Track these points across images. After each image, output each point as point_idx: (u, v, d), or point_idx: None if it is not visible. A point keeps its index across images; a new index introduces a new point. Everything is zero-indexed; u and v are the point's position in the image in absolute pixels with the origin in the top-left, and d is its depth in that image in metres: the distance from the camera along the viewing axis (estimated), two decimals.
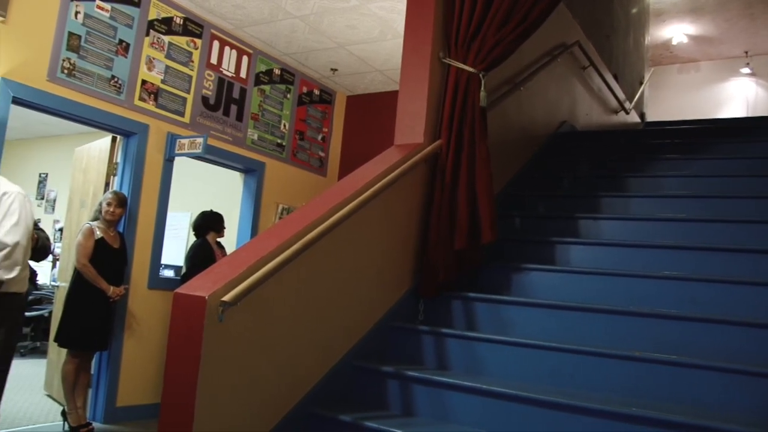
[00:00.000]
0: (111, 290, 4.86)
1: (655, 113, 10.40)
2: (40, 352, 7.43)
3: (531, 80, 5.40)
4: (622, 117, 8.39)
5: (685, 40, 10.87)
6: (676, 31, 10.70)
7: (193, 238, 6.00)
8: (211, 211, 5.97)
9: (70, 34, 4.86)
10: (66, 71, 4.84)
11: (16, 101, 4.58)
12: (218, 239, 5.92)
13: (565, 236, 4.38)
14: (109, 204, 4.95)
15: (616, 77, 7.98)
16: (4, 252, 2.94)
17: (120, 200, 5.01)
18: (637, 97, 9.04)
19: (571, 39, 6.38)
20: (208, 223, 5.83)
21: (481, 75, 4.12)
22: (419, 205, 4.11)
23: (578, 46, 6.47)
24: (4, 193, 3.05)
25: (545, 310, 3.66)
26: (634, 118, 8.93)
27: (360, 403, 3.50)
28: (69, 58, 4.85)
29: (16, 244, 2.97)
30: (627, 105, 8.43)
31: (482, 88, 4.10)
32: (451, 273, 3.97)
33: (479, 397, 3.20)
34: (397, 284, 3.97)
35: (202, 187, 7.64)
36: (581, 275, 3.90)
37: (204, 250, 5.68)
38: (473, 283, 4.11)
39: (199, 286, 2.77)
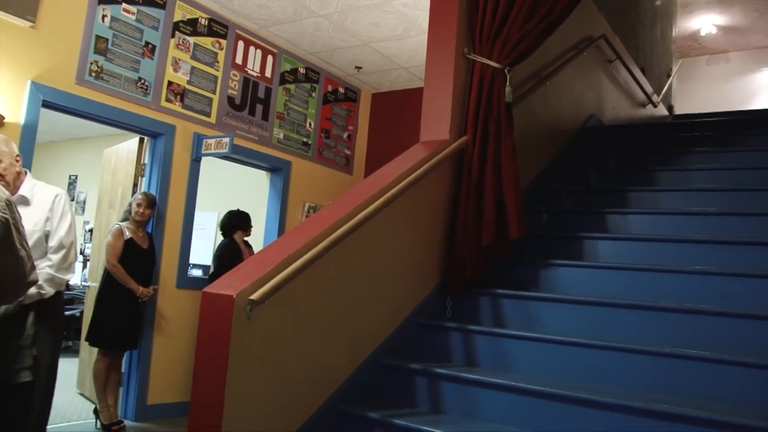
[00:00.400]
0: (140, 290, 4.92)
1: (684, 106, 10.24)
2: (72, 351, 7.53)
3: (557, 75, 5.36)
4: (649, 110, 8.29)
5: (714, 30, 10.69)
6: (704, 22, 10.53)
7: (220, 238, 6.04)
8: (238, 210, 6.01)
9: (98, 37, 4.92)
10: (94, 74, 4.90)
11: (46, 105, 4.66)
12: (245, 238, 5.95)
13: (593, 231, 4.34)
14: (138, 205, 5.00)
15: (643, 70, 7.88)
16: (62, 253, 3.00)
17: (149, 201, 5.06)
18: (665, 89, 8.92)
19: (596, 32, 6.32)
20: (236, 223, 5.87)
21: (506, 70, 4.10)
22: (446, 202, 4.10)
23: (604, 39, 6.39)
24: (56, 195, 3.12)
25: (574, 306, 3.63)
26: (662, 111, 8.81)
27: (388, 400, 3.50)
28: (97, 61, 4.91)
29: (71, 245, 3.06)
30: (654, 98, 8.33)
31: (507, 84, 4.07)
32: (478, 269, 3.95)
33: (508, 394, 3.18)
34: (424, 281, 3.96)
35: (228, 186, 7.69)
36: (610, 270, 3.86)
37: (231, 250, 5.71)
38: (500, 280, 4.08)
39: (226, 285, 2.79)
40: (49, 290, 2.95)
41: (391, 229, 3.66)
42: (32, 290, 2.84)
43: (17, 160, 3.07)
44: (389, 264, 3.68)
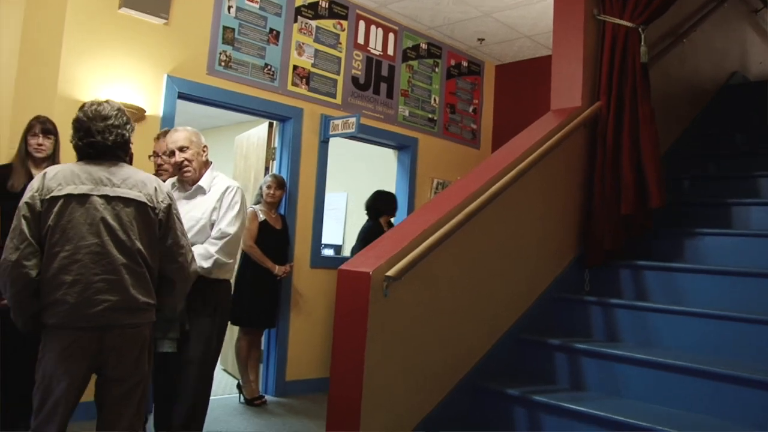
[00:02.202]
0: (277, 269, 5.06)
1: None
2: None
3: (695, 30, 5.01)
4: None
5: None
6: None
7: (350, 218, 6.07)
8: (385, 192, 5.97)
9: (225, 28, 5.07)
10: (223, 64, 5.06)
11: (182, 96, 4.88)
12: (391, 219, 5.95)
13: (742, 197, 4.05)
14: (269, 187, 5.14)
15: None
16: (223, 241, 3.14)
17: (278, 182, 5.19)
18: None
19: None
20: (379, 205, 5.76)
21: (640, 29, 3.89)
22: (580, 171, 3.95)
23: None
24: (227, 188, 3.27)
25: (724, 277, 3.41)
26: None
27: (526, 376, 3.44)
28: (225, 51, 5.07)
29: (233, 235, 3.18)
30: None
31: (642, 43, 3.86)
32: (617, 240, 3.79)
33: (653, 370, 3.05)
34: (561, 254, 3.85)
35: (356, 166, 7.77)
36: (762, 238, 3.59)
37: (373, 234, 5.70)
38: (641, 251, 3.90)
39: (362, 262, 2.80)
40: (201, 263, 3.03)
41: (524, 202, 3.57)
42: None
43: (204, 150, 3.32)
44: (524, 237, 3.60)
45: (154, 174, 3.99)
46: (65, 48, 4.25)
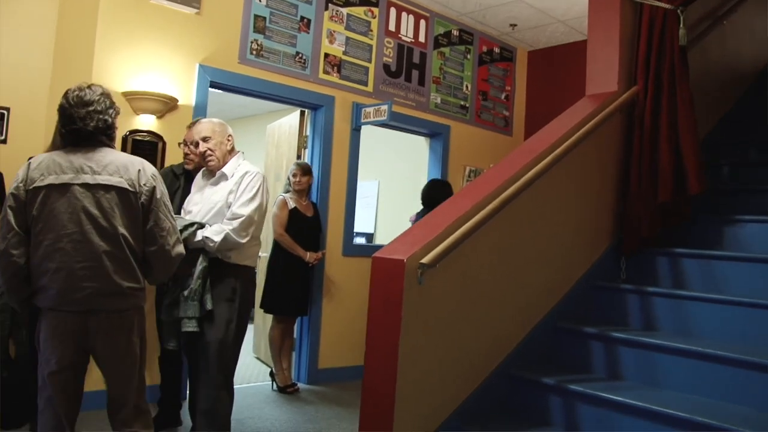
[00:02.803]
0: (308, 255, 5.07)
1: None
2: None
3: (735, 12, 4.88)
4: None
5: None
6: None
7: (381, 206, 6.05)
8: (440, 180, 5.90)
9: (256, 16, 5.07)
10: (255, 52, 5.06)
11: (214, 85, 4.89)
12: None
13: None
14: (294, 174, 5.16)
15: None
16: (236, 221, 3.18)
17: (303, 169, 5.19)
18: None
19: None
20: (434, 194, 5.60)
21: (678, 11, 3.79)
22: (617, 158, 3.88)
23: None
24: (246, 172, 3.34)
25: (764, 265, 3.33)
26: None
27: (562, 365, 3.41)
28: (256, 40, 5.07)
29: (246, 218, 3.20)
30: None
31: (681, 25, 3.76)
32: (654, 228, 3.73)
33: (692, 360, 2.99)
34: (596, 242, 3.79)
35: (387, 154, 7.74)
36: None
37: None
38: (679, 238, 3.83)
39: (396, 249, 2.78)
40: (214, 240, 3.12)
41: (559, 189, 3.52)
42: (198, 236, 3.12)
43: (228, 140, 3.40)
44: (559, 224, 3.55)
45: (182, 161, 4.05)
46: (99, 39, 4.29)
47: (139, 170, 2.63)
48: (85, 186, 2.51)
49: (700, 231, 3.85)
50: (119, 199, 2.55)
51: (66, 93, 2.62)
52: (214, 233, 3.13)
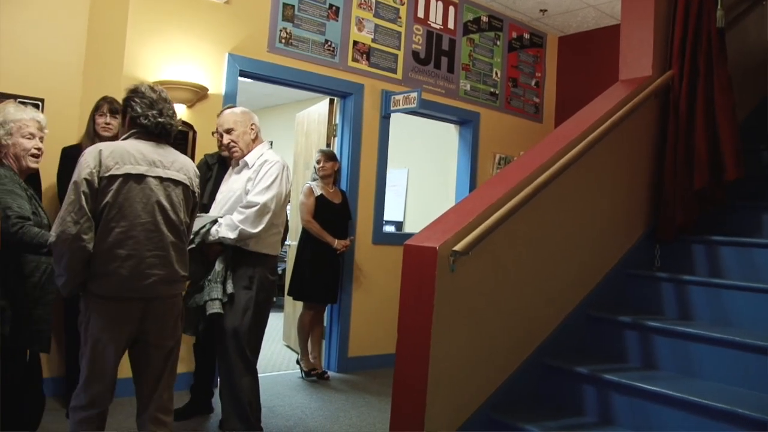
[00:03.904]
0: (336, 242, 5.07)
1: None
2: (277, 306, 7.98)
3: None
4: None
5: None
6: None
7: (411, 193, 6.03)
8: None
9: (285, 5, 5.06)
10: (284, 41, 5.06)
11: (243, 74, 4.89)
12: None
13: None
14: (318, 161, 5.16)
15: None
16: (250, 210, 3.20)
17: (327, 155, 5.19)
18: None
19: None
20: None
21: None
22: (651, 144, 3.82)
23: None
24: (266, 161, 3.36)
25: None
26: None
27: (595, 354, 3.37)
28: (285, 28, 5.06)
29: (261, 206, 3.22)
30: None
31: (719, 7, 3.68)
32: (690, 215, 3.66)
33: (730, 350, 2.94)
34: (630, 229, 3.74)
35: (417, 142, 7.71)
36: None
37: None
38: (715, 226, 3.75)
39: (428, 237, 2.76)
40: (230, 236, 3.19)
41: (592, 176, 3.47)
42: (213, 234, 3.21)
43: (252, 128, 3.44)
44: (592, 213, 3.50)
45: (214, 150, 4.07)
46: (130, 29, 4.31)
47: (194, 171, 2.82)
48: (158, 179, 2.62)
49: (738, 218, 3.77)
50: (183, 194, 2.70)
51: (143, 86, 2.71)
52: (228, 229, 3.20)
